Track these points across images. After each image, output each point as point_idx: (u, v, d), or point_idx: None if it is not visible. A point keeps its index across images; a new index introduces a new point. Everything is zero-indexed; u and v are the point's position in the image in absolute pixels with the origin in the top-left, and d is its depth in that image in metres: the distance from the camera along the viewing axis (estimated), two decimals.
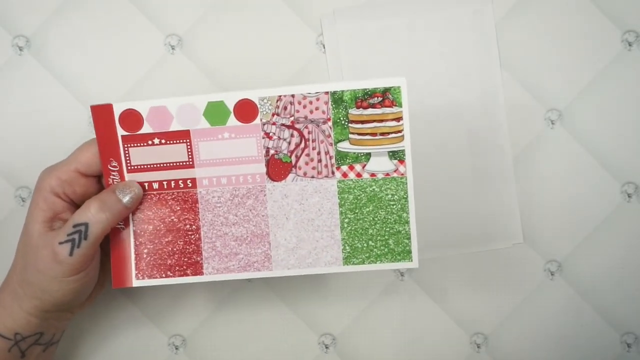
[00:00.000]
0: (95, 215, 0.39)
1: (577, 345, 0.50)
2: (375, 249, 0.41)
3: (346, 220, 0.41)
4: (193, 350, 0.50)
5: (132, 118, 0.41)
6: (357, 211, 0.41)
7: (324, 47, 0.50)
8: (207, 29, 0.50)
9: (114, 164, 0.41)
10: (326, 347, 0.50)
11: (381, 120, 0.40)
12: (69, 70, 0.50)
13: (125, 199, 0.40)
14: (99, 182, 0.42)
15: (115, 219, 0.40)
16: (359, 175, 0.41)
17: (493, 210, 0.50)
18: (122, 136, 0.41)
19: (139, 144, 0.41)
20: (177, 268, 0.42)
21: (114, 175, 0.41)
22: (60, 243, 0.38)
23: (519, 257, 0.50)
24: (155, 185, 0.41)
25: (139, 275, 0.42)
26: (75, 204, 0.42)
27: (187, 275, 0.42)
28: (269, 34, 0.50)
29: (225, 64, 0.50)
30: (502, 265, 0.50)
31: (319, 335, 0.51)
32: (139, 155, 0.41)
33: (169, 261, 0.42)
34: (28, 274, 0.39)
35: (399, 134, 0.40)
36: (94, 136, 0.41)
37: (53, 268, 0.39)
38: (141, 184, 0.41)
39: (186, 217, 0.42)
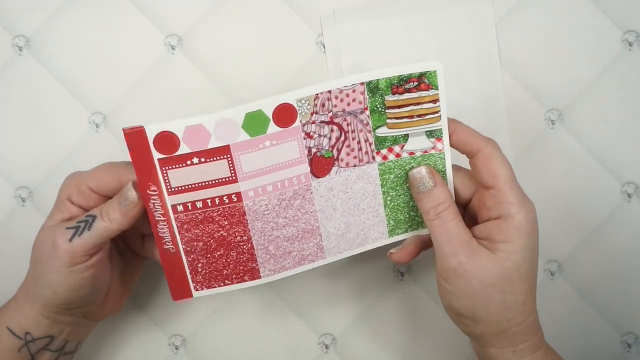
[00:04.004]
0: (106, 213, 0.39)
1: (577, 345, 0.50)
2: (416, 218, 0.43)
3: (389, 198, 0.42)
4: (193, 350, 0.50)
5: (167, 140, 0.38)
6: (398, 188, 0.42)
7: (324, 47, 0.50)
8: (207, 29, 0.50)
9: (153, 189, 0.39)
10: (326, 347, 0.50)
11: (417, 103, 0.40)
12: (69, 70, 0.50)
13: (126, 206, 0.39)
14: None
15: (123, 223, 0.39)
16: (398, 155, 0.41)
17: None
18: (159, 159, 0.39)
19: (177, 166, 0.39)
20: (234, 276, 0.42)
21: (154, 200, 0.40)
22: (67, 228, 0.39)
23: None
24: (199, 204, 0.40)
25: (197, 287, 0.42)
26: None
27: (245, 281, 0.42)
28: (269, 34, 0.50)
29: (225, 64, 0.50)
30: None
31: (319, 335, 0.51)
32: (179, 176, 0.39)
33: (225, 271, 0.42)
34: (37, 268, 0.40)
35: (436, 115, 0.40)
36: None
37: (52, 256, 0.39)
38: (184, 204, 0.40)
39: (235, 230, 0.41)
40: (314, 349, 0.51)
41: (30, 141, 0.50)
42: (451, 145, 0.41)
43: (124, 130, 0.38)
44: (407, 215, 0.43)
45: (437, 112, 0.40)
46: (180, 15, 0.50)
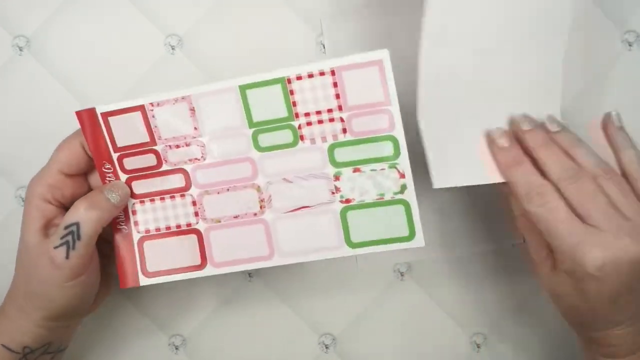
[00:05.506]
0: (84, 213, 0.38)
1: (577, 346, 0.50)
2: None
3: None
4: (193, 350, 0.51)
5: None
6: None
7: (324, 47, 0.50)
8: (207, 29, 0.50)
9: (107, 166, 0.41)
10: (326, 347, 0.50)
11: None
12: (69, 70, 0.50)
13: (114, 199, 0.40)
14: (85, 181, 0.42)
15: (106, 217, 0.39)
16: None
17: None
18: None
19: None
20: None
21: (109, 177, 0.41)
22: (55, 247, 0.38)
23: (519, 257, 0.50)
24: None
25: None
26: (67, 208, 0.41)
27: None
28: (269, 34, 0.50)
29: (225, 64, 0.50)
30: (502, 266, 0.50)
31: (319, 335, 0.51)
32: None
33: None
34: (32, 285, 0.39)
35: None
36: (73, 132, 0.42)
37: (53, 274, 0.38)
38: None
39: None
40: (314, 349, 0.51)
41: (30, 141, 0.50)
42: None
43: (75, 112, 0.40)
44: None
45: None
46: (180, 15, 0.50)
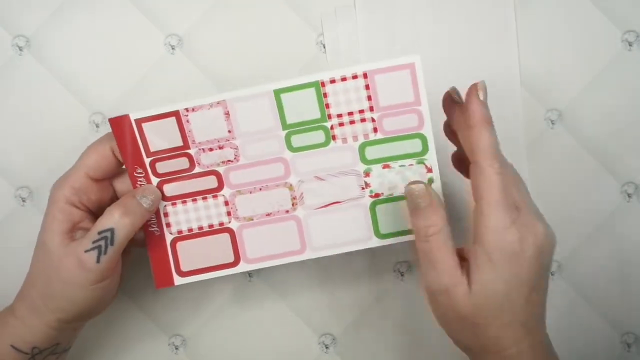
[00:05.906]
0: (120, 220, 0.39)
1: (577, 346, 0.50)
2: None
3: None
4: (193, 350, 0.50)
5: None
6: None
7: (324, 47, 0.50)
8: (207, 29, 0.50)
9: (139, 171, 0.41)
10: (326, 347, 0.50)
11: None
12: (69, 70, 0.50)
13: (146, 203, 0.40)
14: (110, 185, 0.43)
15: (138, 223, 0.40)
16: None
17: None
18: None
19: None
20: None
21: (141, 182, 0.41)
22: (86, 251, 0.38)
23: None
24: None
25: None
26: (92, 212, 0.41)
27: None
28: (269, 34, 0.50)
29: (225, 64, 0.50)
30: None
31: (319, 335, 0.51)
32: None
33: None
34: (52, 286, 0.39)
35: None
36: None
37: (80, 276, 0.38)
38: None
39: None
40: (314, 349, 0.51)
41: (30, 141, 0.50)
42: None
43: (109, 119, 0.40)
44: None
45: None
46: (180, 15, 0.50)
